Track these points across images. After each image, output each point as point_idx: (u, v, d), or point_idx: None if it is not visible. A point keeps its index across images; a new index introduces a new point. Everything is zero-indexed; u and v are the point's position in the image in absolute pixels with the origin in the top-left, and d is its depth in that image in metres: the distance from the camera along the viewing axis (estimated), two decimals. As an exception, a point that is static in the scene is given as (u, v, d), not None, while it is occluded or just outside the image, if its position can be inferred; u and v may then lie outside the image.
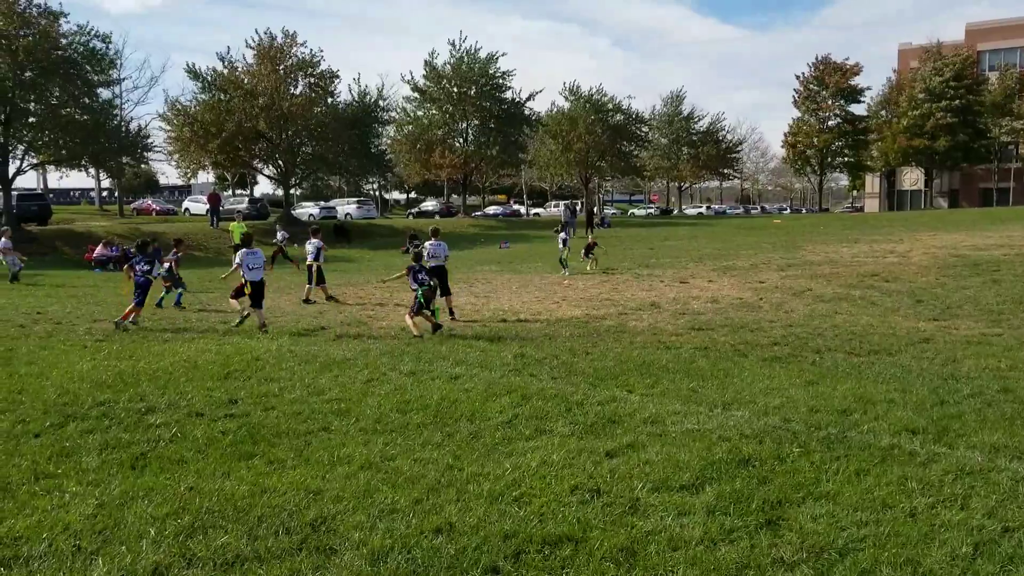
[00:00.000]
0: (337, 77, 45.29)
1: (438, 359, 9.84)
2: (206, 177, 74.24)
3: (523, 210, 75.51)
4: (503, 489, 5.35)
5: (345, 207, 55.68)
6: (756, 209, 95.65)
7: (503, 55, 54.18)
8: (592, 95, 62.09)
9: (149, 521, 4.86)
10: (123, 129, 39.25)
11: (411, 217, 63.37)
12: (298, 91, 44.10)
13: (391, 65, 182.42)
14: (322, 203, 59.63)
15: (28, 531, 4.74)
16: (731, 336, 11.36)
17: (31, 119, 34.56)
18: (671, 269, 20.74)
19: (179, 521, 4.85)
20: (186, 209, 54.33)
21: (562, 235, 22.04)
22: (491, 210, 70.56)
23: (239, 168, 52.76)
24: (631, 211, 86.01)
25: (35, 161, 37.77)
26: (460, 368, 9.25)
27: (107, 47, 35.46)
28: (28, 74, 32.73)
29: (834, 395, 7.79)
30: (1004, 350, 10.07)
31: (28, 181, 71.78)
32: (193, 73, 42.75)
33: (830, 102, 71.78)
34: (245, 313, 12.72)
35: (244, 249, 12.86)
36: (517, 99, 55.39)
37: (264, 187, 75.59)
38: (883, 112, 68.26)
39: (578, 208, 56.84)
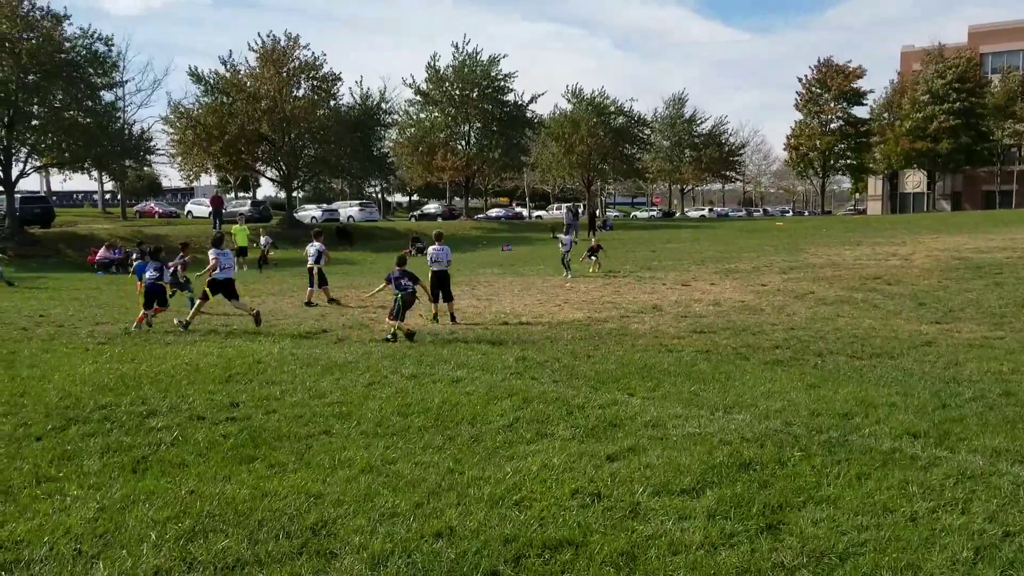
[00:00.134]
0: (339, 80, 45.40)
1: (440, 362, 9.85)
2: (209, 180, 74.56)
3: (525, 213, 75.55)
4: (504, 493, 5.35)
5: (347, 209, 55.70)
6: (758, 212, 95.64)
7: (504, 57, 54.33)
8: (594, 98, 62.15)
9: (150, 525, 4.87)
10: (126, 132, 39.32)
11: (413, 220, 63.37)
12: (300, 94, 44.17)
13: (391, 65, 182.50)
14: (324, 205, 59.64)
15: (29, 535, 4.75)
16: (733, 339, 11.35)
17: (34, 122, 34.65)
18: (673, 272, 20.73)
19: (180, 525, 4.86)
20: (189, 212, 54.38)
21: (567, 237, 22.04)
22: (493, 213, 70.58)
23: (242, 171, 52.83)
24: (633, 214, 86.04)
25: (38, 164, 37.88)
26: (462, 371, 9.25)
27: (109, 50, 35.56)
28: (31, 77, 32.79)
29: (836, 398, 7.78)
30: (1006, 353, 10.05)
31: (31, 184, 72.04)
32: (195, 76, 42.85)
33: (832, 105, 71.83)
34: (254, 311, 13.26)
35: (216, 249, 13.30)
36: (519, 102, 55.48)
37: (267, 190, 75.88)
38: (886, 115, 68.23)
39: (580, 211, 56.88)
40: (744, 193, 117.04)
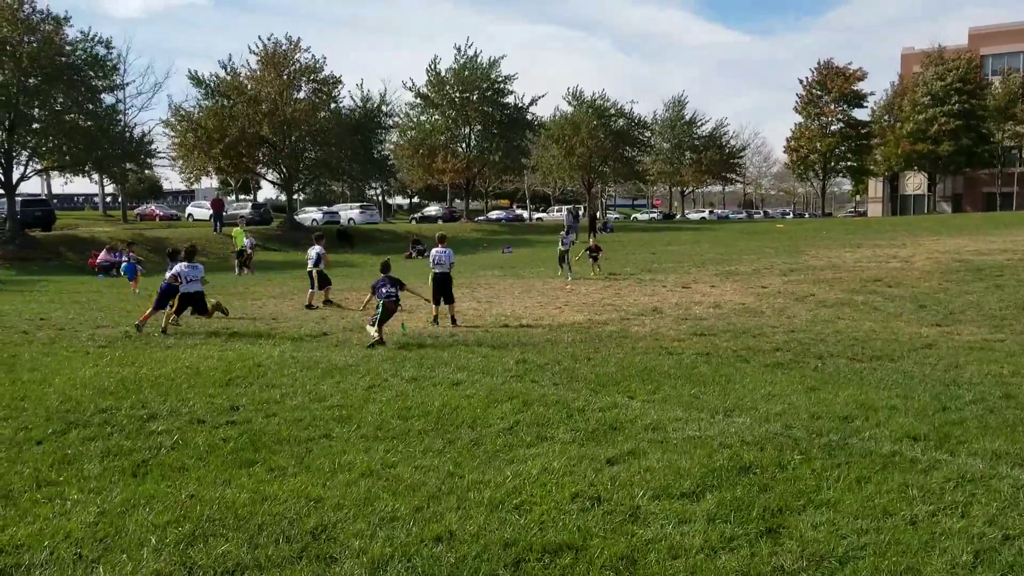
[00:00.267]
0: (340, 83, 45.47)
1: (440, 365, 9.85)
2: (209, 182, 74.61)
3: (526, 215, 75.60)
4: (504, 497, 5.35)
5: (348, 212, 55.76)
6: (759, 214, 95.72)
7: (503, 57, 54.45)
8: (595, 100, 62.22)
9: (150, 529, 4.87)
10: (127, 135, 39.32)
11: (414, 222, 63.42)
12: (301, 96, 44.24)
13: (391, 65, 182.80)
14: (325, 208, 59.67)
15: (30, 539, 4.75)
16: (733, 342, 11.35)
17: (35, 125, 34.63)
18: (674, 274, 20.73)
19: (180, 529, 4.86)
20: (190, 215, 54.41)
21: (568, 237, 22.07)
22: (494, 215, 70.62)
23: (242, 173, 52.87)
24: (634, 215, 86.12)
25: (39, 167, 37.85)
26: (462, 374, 9.25)
27: (110, 52, 35.58)
28: (32, 80, 32.79)
29: (836, 401, 7.78)
30: (1007, 356, 10.05)
31: (32, 187, 72.21)
32: (196, 80, 42.90)
33: (833, 107, 71.84)
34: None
35: (185, 263, 12.98)
36: (519, 104, 55.54)
37: (267, 192, 75.86)
38: (886, 117, 68.24)
39: (581, 213, 56.89)
40: (744, 195, 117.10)
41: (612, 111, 62.66)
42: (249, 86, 43.22)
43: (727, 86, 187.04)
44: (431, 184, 63.75)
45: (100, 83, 35.94)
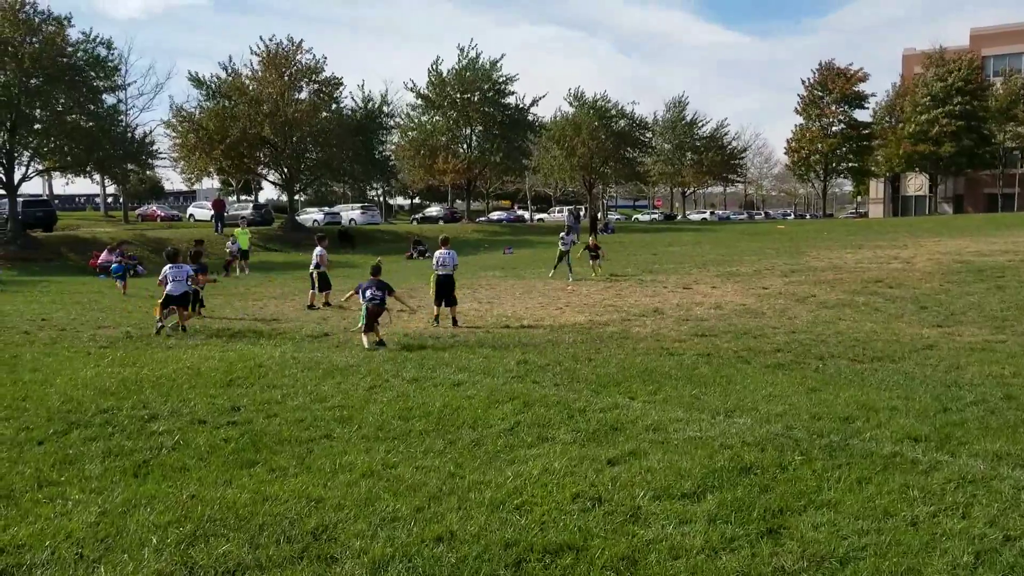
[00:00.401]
0: (341, 83, 45.50)
1: (441, 366, 9.86)
2: (211, 183, 74.70)
3: (527, 215, 75.62)
4: (504, 497, 5.35)
5: (349, 212, 55.80)
6: (760, 215, 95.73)
7: (503, 57, 54.41)
8: (596, 101, 62.22)
9: (151, 529, 4.88)
10: (128, 135, 39.37)
11: (415, 223, 63.48)
12: (303, 97, 44.26)
13: (392, 65, 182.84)
14: (326, 209, 59.74)
15: (31, 539, 4.76)
16: (734, 342, 11.35)
17: (36, 126, 34.67)
18: (675, 275, 20.72)
19: (181, 529, 4.87)
20: (191, 215, 54.46)
21: (568, 237, 22.08)
22: (495, 215, 70.69)
23: (244, 174, 52.93)
24: (635, 216, 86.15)
25: (40, 167, 37.90)
26: (463, 375, 9.26)
27: (111, 53, 35.62)
28: (34, 81, 32.84)
29: (837, 402, 7.77)
30: (1008, 357, 10.04)
31: (33, 187, 72.28)
32: (196, 81, 42.93)
33: (834, 108, 71.81)
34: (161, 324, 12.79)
35: (169, 264, 13.05)
36: (520, 104, 55.54)
37: (269, 193, 75.91)
38: (887, 118, 68.20)
39: (582, 213, 56.89)
40: (746, 196, 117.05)
41: (613, 112, 62.65)
42: (250, 87, 43.24)
43: (727, 87, 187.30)
44: (432, 185, 63.79)
45: (101, 84, 35.97)
